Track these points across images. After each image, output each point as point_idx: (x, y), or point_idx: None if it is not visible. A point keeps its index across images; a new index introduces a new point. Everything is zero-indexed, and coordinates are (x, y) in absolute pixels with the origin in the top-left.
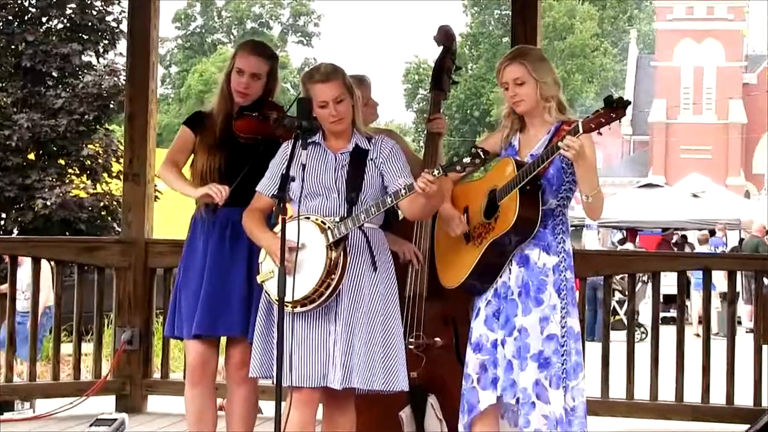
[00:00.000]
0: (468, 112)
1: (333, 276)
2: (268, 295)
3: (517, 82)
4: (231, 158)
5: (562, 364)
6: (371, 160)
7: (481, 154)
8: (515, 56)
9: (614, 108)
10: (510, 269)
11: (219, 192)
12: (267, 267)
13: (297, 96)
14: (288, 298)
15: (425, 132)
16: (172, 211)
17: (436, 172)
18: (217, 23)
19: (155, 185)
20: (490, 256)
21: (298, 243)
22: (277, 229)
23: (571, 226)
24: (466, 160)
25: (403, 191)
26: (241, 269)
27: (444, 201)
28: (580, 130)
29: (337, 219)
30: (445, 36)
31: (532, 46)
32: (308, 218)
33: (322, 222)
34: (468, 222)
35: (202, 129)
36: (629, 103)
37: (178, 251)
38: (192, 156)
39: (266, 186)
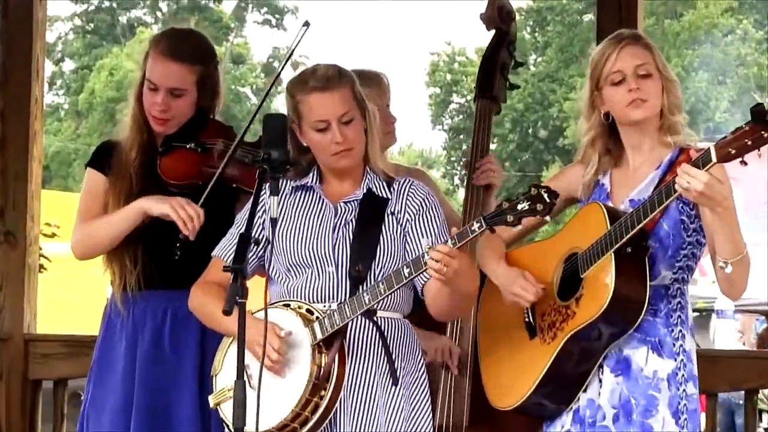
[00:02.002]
0: (529, 130)
1: (323, 392)
2: (227, 426)
3: (639, 72)
4: (159, 218)
5: None
6: (392, 214)
7: (546, 196)
8: (636, 36)
9: (767, 124)
10: (600, 379)
11: (188, 216)
12: (224, 381)
13: (258, 108)
14: (255, 427)
15: (467, 184)
16: (67, 288)
17: (450, 242)
18: None
19: (40, 249)
20: (569, 358)
21: (265, 343)
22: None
23: (694, 310)
24: (523, 206)
25: (406, 270)
26: (189, 384)
27: (477, 284)
28: (713, 158)
29: (334, 306)
30: (499, 14)
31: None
32: (288, 305)
33: (307, 311)
34: (533, 305)
35: (112, 170)
36: None
37: (78, 354)
38: None
39: (230, 250)
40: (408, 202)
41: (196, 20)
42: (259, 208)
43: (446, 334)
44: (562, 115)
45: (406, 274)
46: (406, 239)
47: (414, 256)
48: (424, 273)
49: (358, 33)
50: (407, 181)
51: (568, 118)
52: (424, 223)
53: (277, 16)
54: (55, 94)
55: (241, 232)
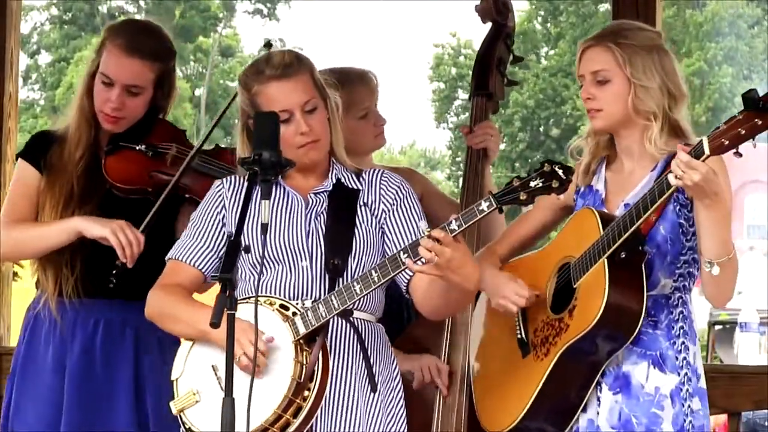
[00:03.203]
0: (540, 128)
1: (306, 393)
2: None
3: (596, 78)
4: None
5: None
6: (365, 205)
7: (560, 172)
8: (604, 35)
9: (760, 110)
10: (598, 397)
11: (128, 241)
12: (188, 385)
13: (219, 117)
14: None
15: (465, 156)
16: None
17: (454, 223)
18: None
19: None
20: (564, 375)
21: (256, 338)
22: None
23: (717, 323)
24: (536, 183)
25: (403, 255)
26: (124, 401)
27: (477, 280)
28: (706, 150)
29: (309, 303)
30: (495, 5)
31: (641, 25)
32: (258, 301)
33: (282, 306)
34: (525, 320)
35: (51, 167)
36: None
37: None
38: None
39: (190, 251)
40: (382, 192)
41: (182, 9)
42: (249, 212)
43: (441, 343)
44: (576, 113)
45: (404, 260)
46: (383, 231)
47: (394, 248)
48: (406, 271)
49: (355, 23)
50: (377, 171)
51: (583, 116)
52: (402, 213)
53: (268, 5)
54: (30, 89)
55: (230, 239)
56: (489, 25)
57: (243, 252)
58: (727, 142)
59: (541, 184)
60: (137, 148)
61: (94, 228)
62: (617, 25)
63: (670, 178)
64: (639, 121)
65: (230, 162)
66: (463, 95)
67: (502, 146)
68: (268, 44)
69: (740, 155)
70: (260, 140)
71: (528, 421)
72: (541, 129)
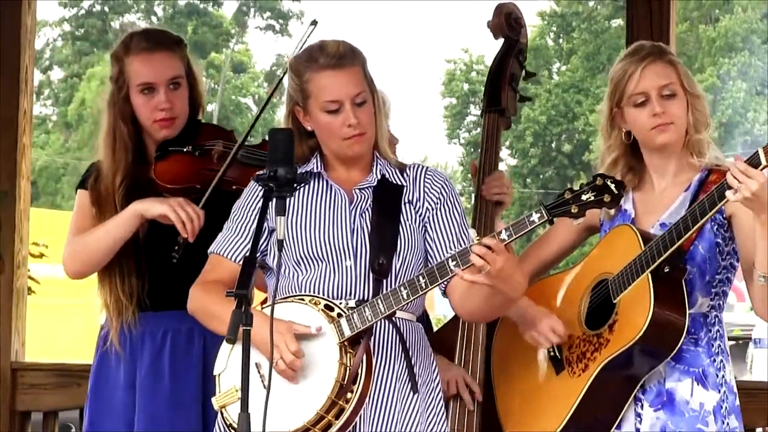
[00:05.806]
0: (552, 144)
1: (349, 395)
2: (234, 430)
3: (664, 93)
4: (155, 229)
5: None
6: (409, 203)
7: (613, 186)
8: (660, 51)
9: None
10: (638, 413)
11: (188, 216)
12: (229, 381)
13: (261, 109)
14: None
15: (474, 196)
16: (57, 313)
17: (504, 233)
18: None
19: (28, 271)
20: (603, 389)
21: (272, 336)
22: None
23: (730, 338)
24: (588, 196)
25: (452, 262)
26: (193, 411)
27: (523, 289)
28: (762, 160)
29: (352, 303)
30: (506, 21)
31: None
32: (302, 299)
33: (327, 306)
34: None
35: (97, 195)
36: None
37: (68, 385)
38: None
39: (231, 246)
40: (426, 190)
41: (194, 25)
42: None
43: (457, 353)
44: (589, 129)
45: (452, 267)
46: (426, 230)
47: (435, 248)
48: (439, 279)
49: (368, 40)
50: (421, 167)
51: (595, 132)
52: (444, 213)
53: (281, 21)
54: (43, 105)
55: (246, 255)
56: (501, 41)
57: (277, 249)
58: None
59: (593, 198)
60: (185, 150)
61: (153, 207)
62: (651, 43)
63: (728, 193)
64: (693, 136)
65: None
66: (475, 111)
67: (513, 161)
68: (314, 23)
69: None
70: (275, 157)
71: None
72: (553, 145)
